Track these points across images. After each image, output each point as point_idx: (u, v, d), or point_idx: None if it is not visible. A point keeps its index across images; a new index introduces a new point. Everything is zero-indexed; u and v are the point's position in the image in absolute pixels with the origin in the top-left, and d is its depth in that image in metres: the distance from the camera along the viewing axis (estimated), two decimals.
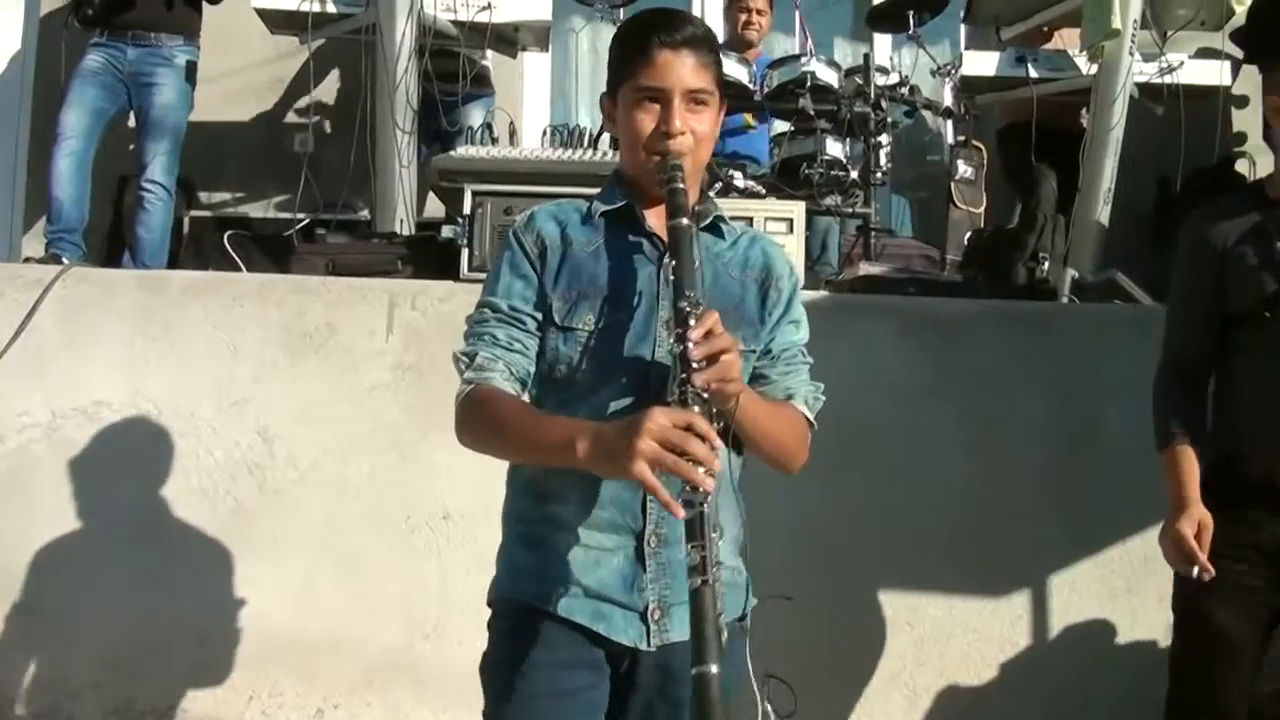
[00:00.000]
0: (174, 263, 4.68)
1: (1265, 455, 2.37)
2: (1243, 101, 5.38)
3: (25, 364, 3.34)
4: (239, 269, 4.43)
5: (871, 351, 3.46)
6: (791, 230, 3.66)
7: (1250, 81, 5.08)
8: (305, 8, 4.66)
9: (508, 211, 3.53)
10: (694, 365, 1.57)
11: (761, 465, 1.86)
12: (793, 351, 1.88)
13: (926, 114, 5.59)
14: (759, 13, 5.52)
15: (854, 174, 4.80)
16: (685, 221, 1.71)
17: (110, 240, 4.94)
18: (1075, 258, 4.46)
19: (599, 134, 4.13)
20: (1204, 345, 2.49)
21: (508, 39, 4.99)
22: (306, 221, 4.79)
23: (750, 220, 3.55)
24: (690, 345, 1.57)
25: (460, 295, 3.38)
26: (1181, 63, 4.77)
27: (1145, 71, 4.71)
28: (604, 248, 1.82)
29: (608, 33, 4.87)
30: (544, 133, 4.29)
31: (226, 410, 3.35)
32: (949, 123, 5.49)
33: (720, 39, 5.20)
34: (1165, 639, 3.31)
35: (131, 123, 4.79)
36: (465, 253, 3.64)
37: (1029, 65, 4.85)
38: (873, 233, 4.74)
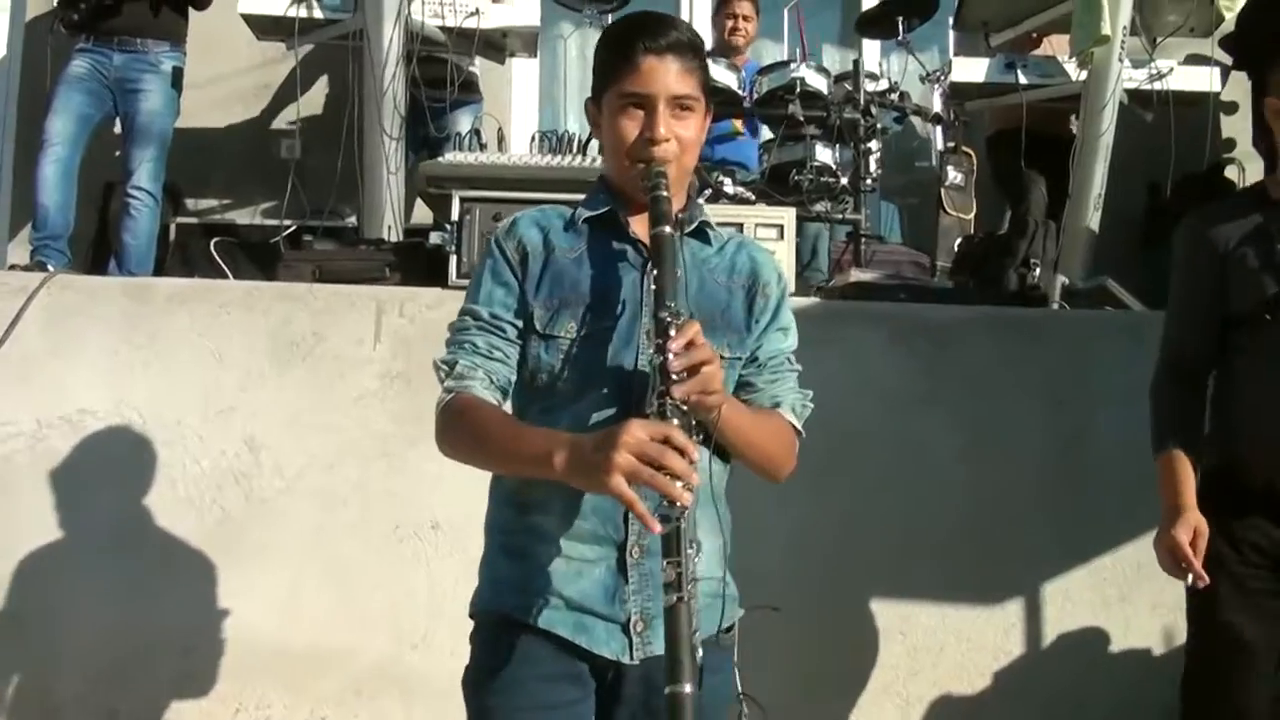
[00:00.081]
0: (160, 270, 4.65)
1: (1265, 460, 2.36)
2: (1232, 107, 5.40)
3: (9, 372, 3.31)
4: (225, 276, 4.40)
5: (862, 358, 3.45)
6: (782, 236, 3.65)
7: (1239, 88, 5.11)
8: (292, 13, 4.64)
9: (496, 218, 3.51)
10: (673, 377, 1.55)
11: (752, 473, 1.84)
12: (780, 359, 1.86)
13: (916, 120, 5.59)
14: (745, 19, 5.54)
15: (844, 180, 4.80)
16: (668, 230, 1.69)
17: (96, 247, 4.91)
18: (1065, 264, 4.46)
19: (588, 140, 4.12)
20: (1203, 347, 2.48)
21: (496, 45, 4.97)
22: (293, 228, 4.76)
23: (741, 226, 3.55)
24: (670, 357, 1.55)
25: (449, 302, 3.36)
26: (1171, 69, 4.78)
27: (1135, 78, 4.72)
28: (587, 254, 1.79)
29: (596, 39, 4.85)
30: (532, 139, 4.28)
31: (213, 419, 3.32)
32: (938, 129, 5.48)
33: (708, 45, 5.23)
34: (1159, 647, 3.34)
35: (117, 129, 4.77)
36: (454, 259, 3.63)
37: (1018, 71, 4.86)
38: (862, 239, 4.73)
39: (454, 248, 3.64)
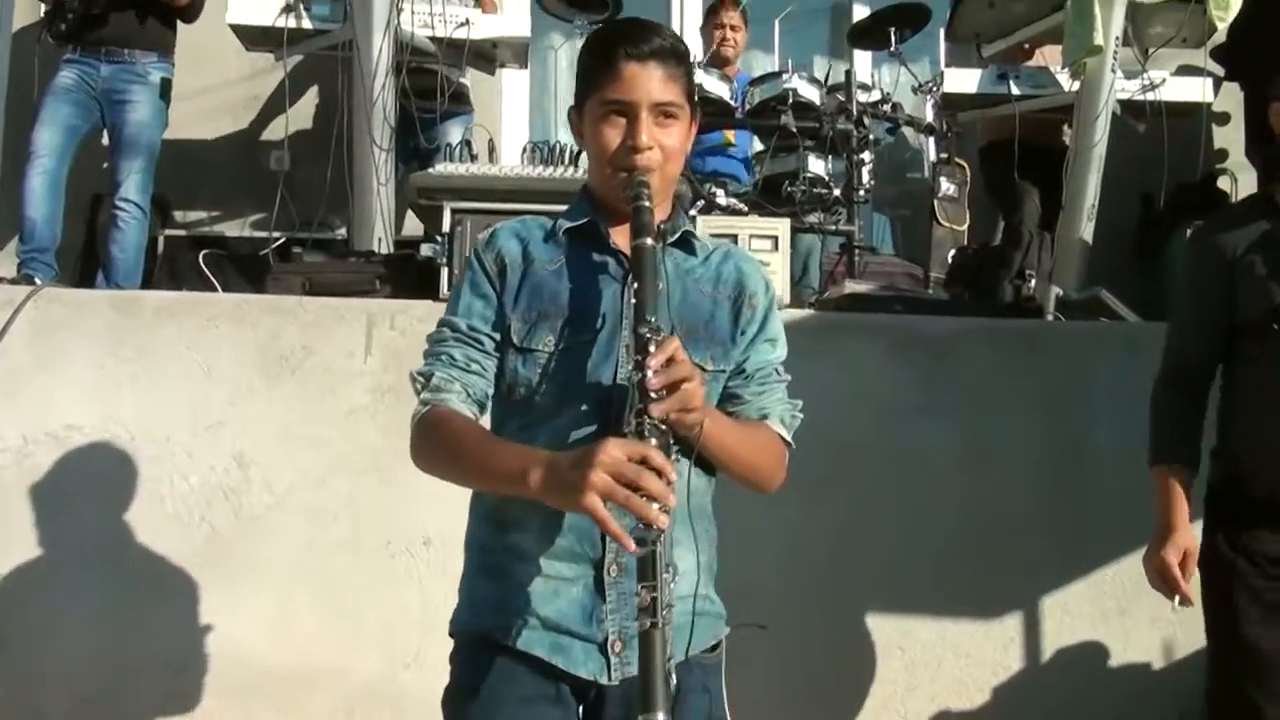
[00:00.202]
0: (148, 283, 4.61)
1: (1270, 472, 2.34)
2: (1224, 118, 5.40)
3: None
4: (214, 289, 4.37)
5: (859, 370, 3.43)
6: (776, 248, 3.64)
7: (1232, 99, 5.11)
8: (281, 24, 4.61)
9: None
10: (652, 395, 1.52)
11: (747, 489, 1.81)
12: (767, 370, 1.82)
13: (907, 131, 5.59)
14: (734, 29, 5.54)
15: (836, 191, 4.79)
16: (649, 242, 1.65)
17: (83, 260, 4.87)
18: (1059, 275, 4.45)
19: (579, 151, 4.09)
20: (1207, 355, 2.46)
21: (486, 56, 4.95)
22: (283, 240, 4.73)
23: (735, 238, 3.53)
24: (649, 374, 1.52)
25: (440, 315, 3.32)
26: (1164, 80, 4.78)
27: (1127, 88, 4.72)
28: (567, 266, 1.76)
29: None
30: (524, 150, 4.25)
31: (201, 434, 3.29)
32: (931, 140, 5.47)
33: (698, 57, 5.22)
34: (1159, 661, 3.32)
35: (105, 140, 4.73)
36: (445, 271, 3.60)
37: (1011, 82, 4.87)
38: (855, 250, 4.71)
39: (445, 259, 3.61)
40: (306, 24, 4.67)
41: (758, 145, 5.30)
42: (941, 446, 3.40)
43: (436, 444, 1.69)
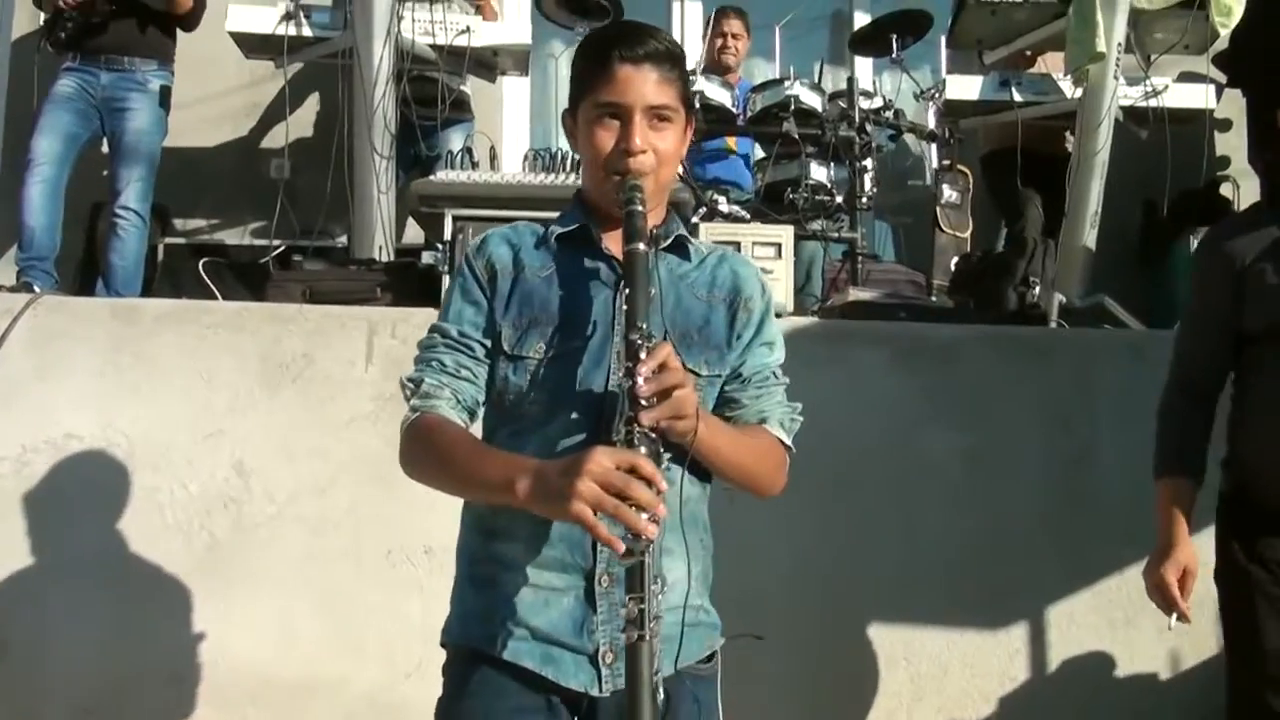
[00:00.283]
0: (148, 291, 4.59)
1: (1278, 483, 2.32)
2: (1225, 125, 5.40)
3: None
4: (214, 297, 4.34)
5: (863, 378, 3.42)
6: (780, 255, 3.63)
7: (1234, 105, 5.11)
8: (281, 31, 4.60)
9: None
10: (642, 403, 1.50)
11: (748, 494, 1.79)
12: (765, 374, 1.80)
13: (908, 139, 5.58)
14: (735, 37, 5.54)
15: (839, 198, 4.77)
16: (641, 247, 1.62)
17: (83, 268, 4.86)
18: (1062, 282, 4.44)
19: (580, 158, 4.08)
20: (1215, 363, 2.44)
21: (487, 64, 4.94)
22: (283, 248, 4.71)
23: (738, 245, 3.51)
24: (639, 381, 1.50)
25: None
26: (1166, 86, 4.77)
27: (1130, 95, 4.71)
28: (559, 273, 1.74)
29: None
30: (525, 157, 4.24)
31: (201, 443, 3.27)
32: (933, 147, 5.47)
33: (701, 65, 5.22)
34: (1165, 671, 3.30)
35: (105, 148, 4.72)
36: (446, 279, 3.58)
37: (1013, 89, 4.86)
38: (858, 258, 4.70)
39: (446, 267, 3.59)
40: (307, 32, 4.67)
41: (759, 152, 5.29)
42: (946, 454, 3.38)
43: (425, 451, 1.68)
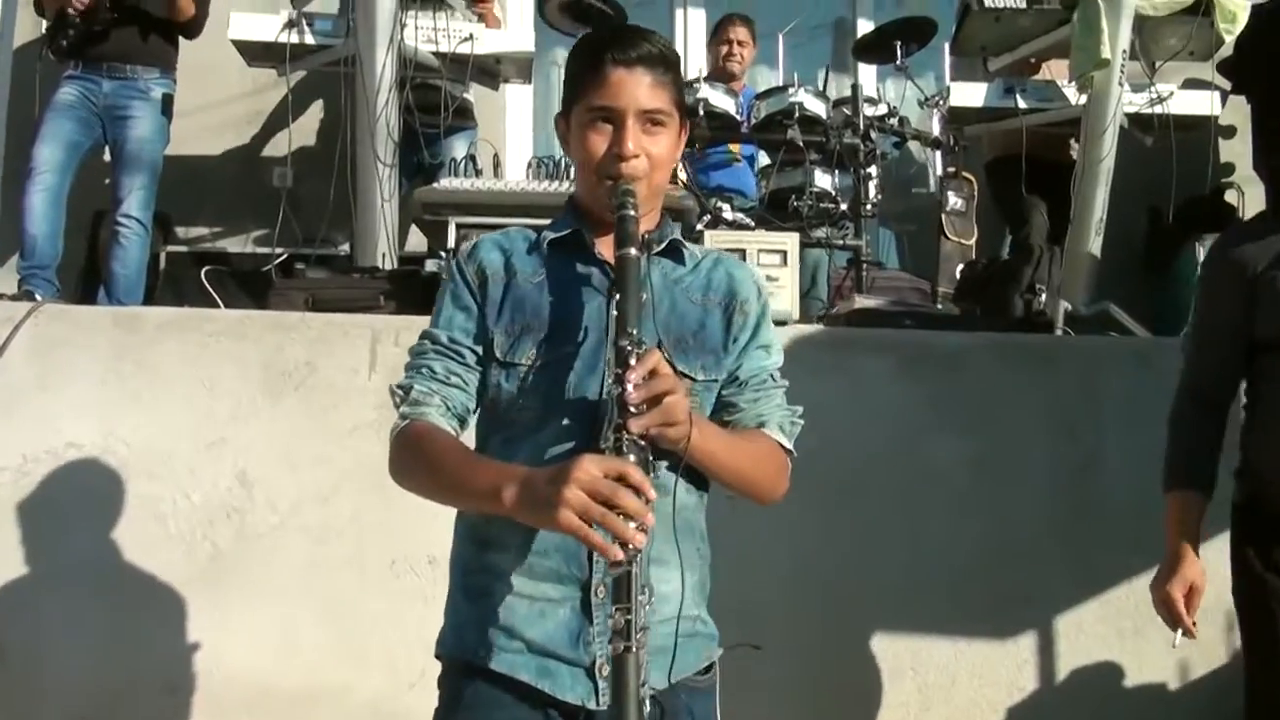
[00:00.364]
0: (150, 299, 4.59)
1: None
2: (1230, 132, 5.38)
3: None
4: (217, 305, 4.34)
5: (870, 385, 3.40)
6: (785, 262, 3.62)
7: (1238, 112, 5.08)
8: (283, 39, 4.59)
9: None
10: (632, 410, 1.48)
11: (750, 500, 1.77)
12: (762, 377, 1.77)
13: (912, 146, 5.57)
14: (740, 44, 5.53)
15: (843, 206, 4.76)
16: (633, 252, 1.60)
17: (85, 277, 4.85)
18: (1067, 289, 4.43)
19: None
20: (1225, 371, 2.42)
21: (490, 71, 4.94)
22: (285, 256, 4.70)
23: (744, 252, 3.50)
24: (629, 388, 1.48)
25: None
26: (1171, 93, 4.76)
27: (1135, 102, 4.71)
28: (551, 278, 1.72)
29: None
30: (529, 164, 4.23)
31: (203, 451, 3.25)
32: (938, 154, 5.46)
33: (705, 72, 5.21)
34: (1174, 681, 3.28)
35: (107, 156, 4.71)
36: None
37: (1018, 96, 4.86)
38: (863, 265, 4.68)
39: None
40: (309, 39, 4.66)
41: (764, 160, 5.28)
42: (951, 462, 3.37)
43: (414, 459, 1.65)
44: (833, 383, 3.30)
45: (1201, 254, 4.74)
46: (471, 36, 4.64)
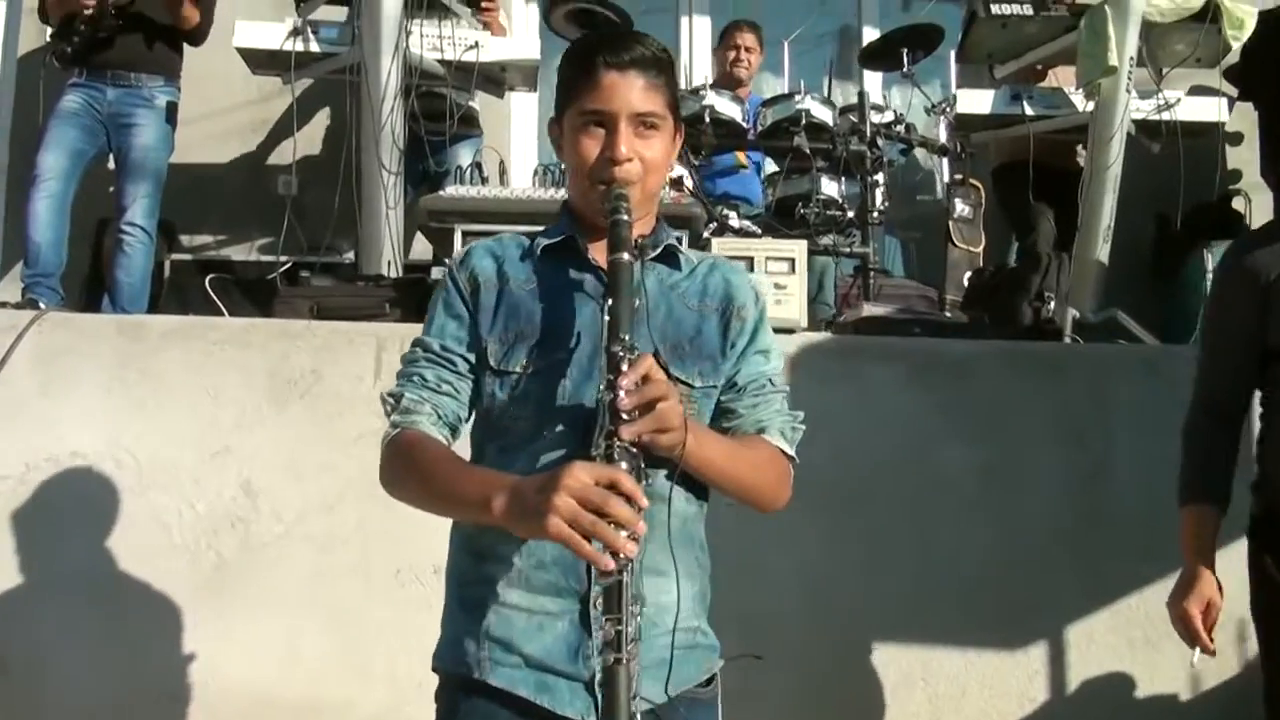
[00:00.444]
0: (154, 307, 4.58)
1: None
2: (1237, 138, 5.37)
3: None
4: (221, 313, 4.33)
5: (878, 394, 3.38)
6: (793, 270, 3.60)
7: (1246, 119, 5.08)
8: (288, 47, 4.58)
9: None
10: (623, 416, 1.45)
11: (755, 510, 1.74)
12: (761, 382, 1.75)
13: (919, 153, 5.56)
14: (748, 50, 5.52)
15: (850, 213, 4.75)
16: (625, 257, 1.57)
17: (89, 285, 4.84)
18: (1075, 297, 4.41)
19: None
20: (1239, 380, 2.40)
21: (495, 79, 4.93)
22: (290, 264, 4.69)
23: (751, 260, 3.48)
24: (620, 394, 1.46)
25: None
26: (1178, 100, 4.75)
27: (1142, 108, 4.69)
28: (545, 285, 1.70)
29: None
30: (534, 172, 4.22)
31: (208, 460, 3.24)
32: (944, 161, 5.44)
33: (711, 79, 5.20)
34: (1185, 692, 3.26)
35: (111, 164, 4.70)
36: None
37: (1024, 102, 4.84)
38: (870, 273, 4.67)
39: None
40: (314, 47, 4.64)
41: (770, 167, 5.27)
42: (960, 470, 3.35)
43: (405, 468, 1.63)
44: (841, 391, 3.28)
45: (1209, 260, 4.74)
46: (477, 44, 4.62)
